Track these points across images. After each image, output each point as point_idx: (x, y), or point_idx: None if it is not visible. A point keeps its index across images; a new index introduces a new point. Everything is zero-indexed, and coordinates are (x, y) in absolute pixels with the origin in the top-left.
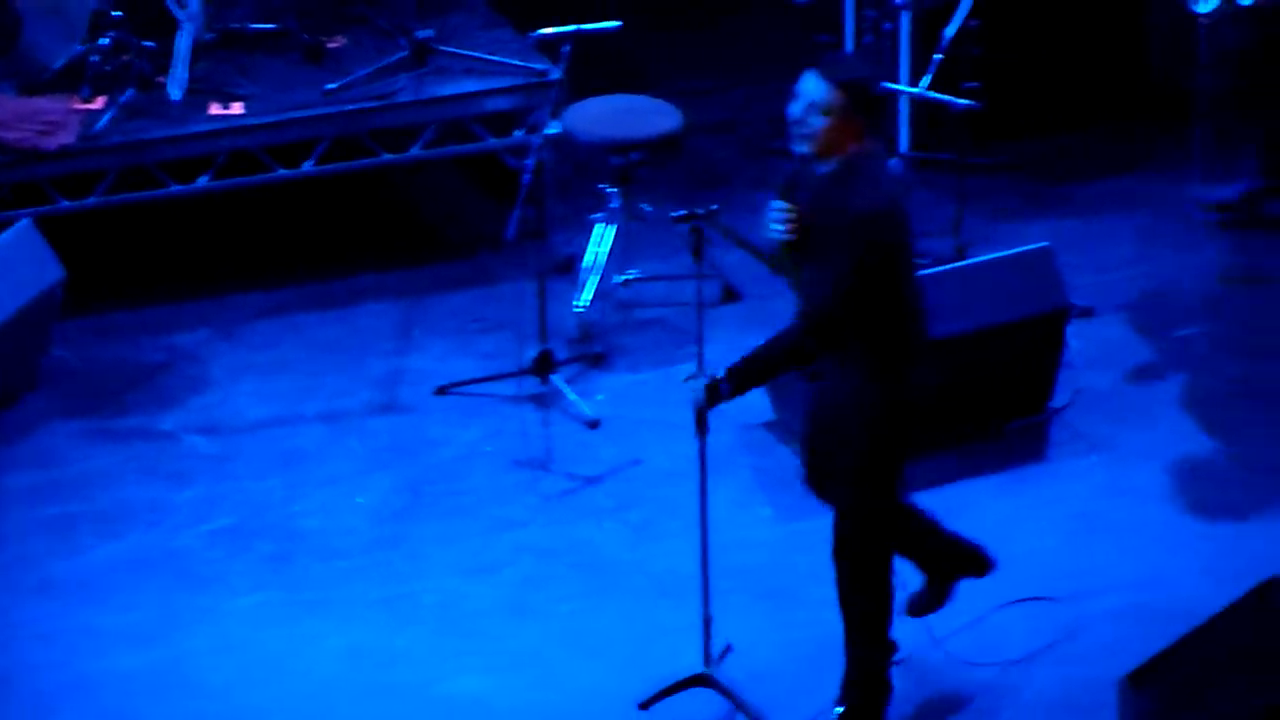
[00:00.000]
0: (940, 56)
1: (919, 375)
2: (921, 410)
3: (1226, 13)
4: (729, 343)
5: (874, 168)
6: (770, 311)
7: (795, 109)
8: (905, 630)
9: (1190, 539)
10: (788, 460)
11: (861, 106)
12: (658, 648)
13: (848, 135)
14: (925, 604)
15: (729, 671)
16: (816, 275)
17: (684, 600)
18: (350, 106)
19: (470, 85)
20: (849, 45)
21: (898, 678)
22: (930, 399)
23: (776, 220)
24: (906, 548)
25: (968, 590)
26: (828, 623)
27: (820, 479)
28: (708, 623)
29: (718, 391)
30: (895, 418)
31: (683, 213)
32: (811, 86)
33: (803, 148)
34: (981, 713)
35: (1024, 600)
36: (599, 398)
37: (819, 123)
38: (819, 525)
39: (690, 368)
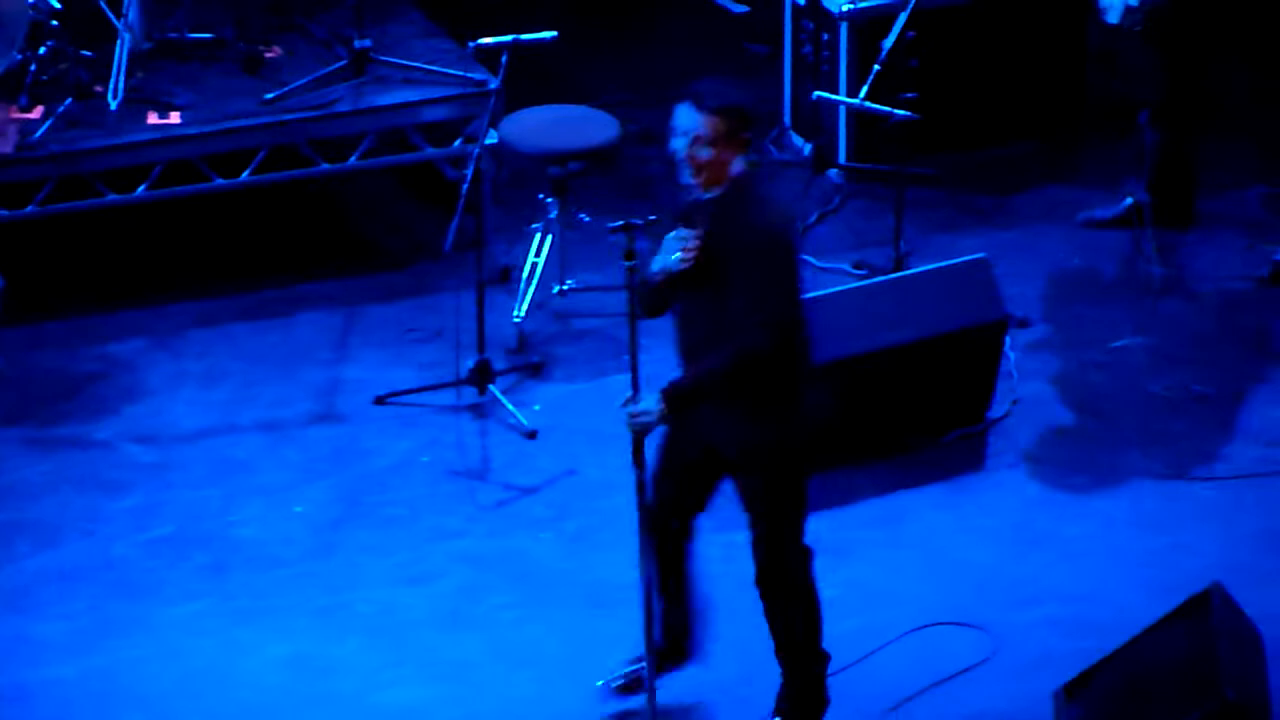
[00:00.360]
0: (878, 67)
1: (822, 394)
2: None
3: (1130, 23)
4: (664, 352)
5: (762, 186)
6: None
7: (678, 144)
8: (837, 650)
9: (1125, 551)
10: None
11: (740, 130)
12: (592, 658)
13: (731, 160)
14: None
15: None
16: (744, 296)
17: (618, 610)
18: (288, 116)
19: (409, 95)
20: (786, 54)
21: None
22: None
23: (680, 248)
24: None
25: (895, 608)
26: (759, 633)
27: (700, 503)
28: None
29: (660, 419)
30: (800, 438)
31: (620, 223)
32: (690, 119)
33: (690, 179)
34: None
35: (942, 624)
36: (536, 408)
37: (704, 154)
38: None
39: (625, 380)
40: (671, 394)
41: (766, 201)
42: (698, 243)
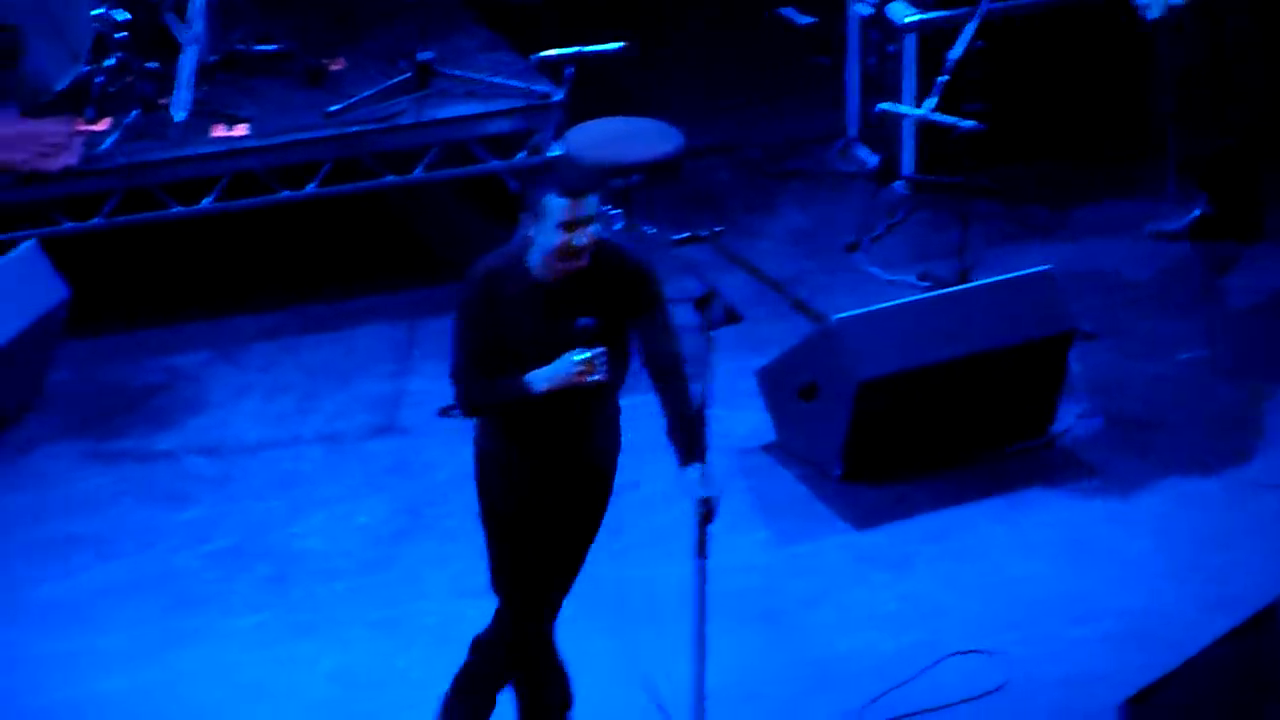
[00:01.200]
0: (945, 78)
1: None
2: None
3: (1170, 21)
4: (729, 365)
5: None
6: (768, 333)
7: (590, 232)
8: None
9: (1188, 566)
10: (786, 483)
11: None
12: (648, 671)
13: None
14: None
15: (722, 696)
16: (669, 330)
17: (673, 625)
18: (352, 128)
19: (472, 107)
20: (851, 67)
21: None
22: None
23: (596, 368)
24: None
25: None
26: (820, 647)
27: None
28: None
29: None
30: None
31: (685, 235)
32: (595, 203)
33: (584, 260)
34: None
35: (966, 652)
36: None
37: (598, 229)
38: (815, 549)
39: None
40: (702, 457)
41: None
42: (598, 359)
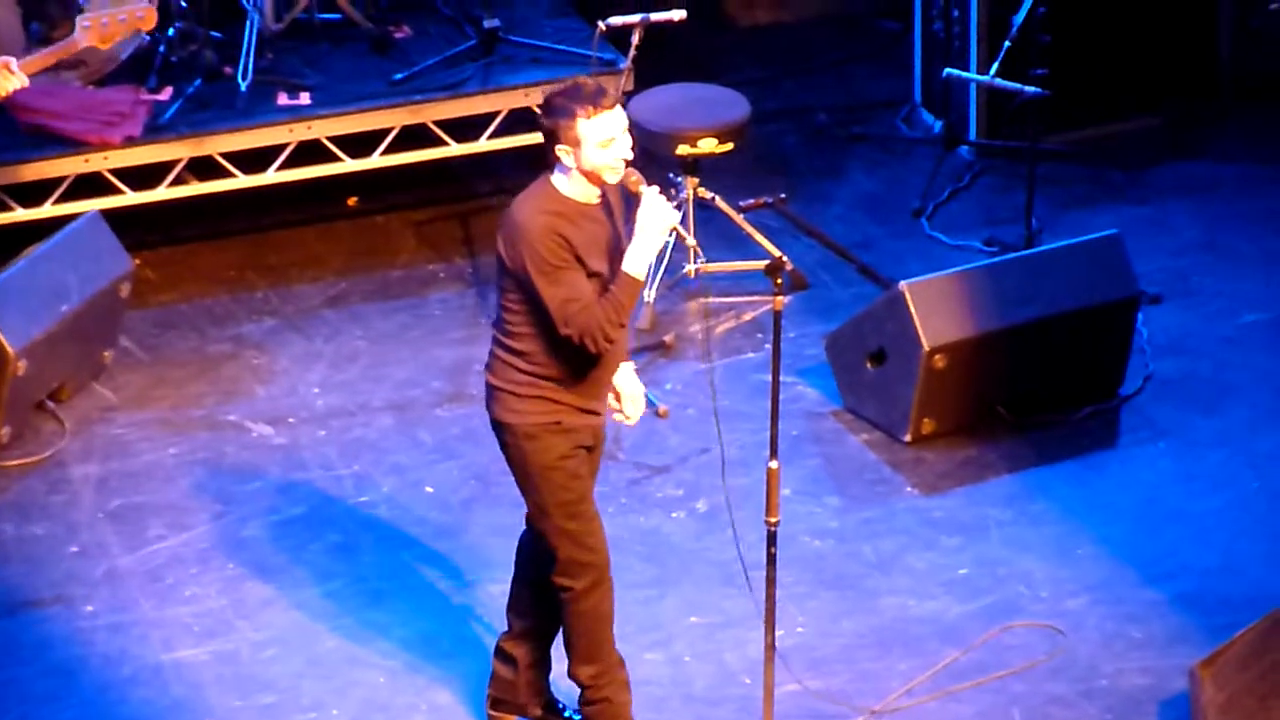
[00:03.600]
0: (1009, 43)
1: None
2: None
3: None
4: (797, 330)
5: None
6: (835, 299)
7: (629, 141)
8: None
9: (1260, 525)
10: (854, 449)
11: None
12: (723, 637)
13: None
14: None
15: (794, 659)
16: None
17: (749, 590)
18: (418, 96)
19: (537, 75)
20: (916, 31)
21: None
22: (970, 393)
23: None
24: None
25: (1027, 586)
26: (892, 611)
27: None
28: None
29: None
30: None
31: (751, 201)
32: (622, 114)
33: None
34: (1058, 700)
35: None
36: (667, 387)
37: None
38: (886, 514)
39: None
40: None
41: None
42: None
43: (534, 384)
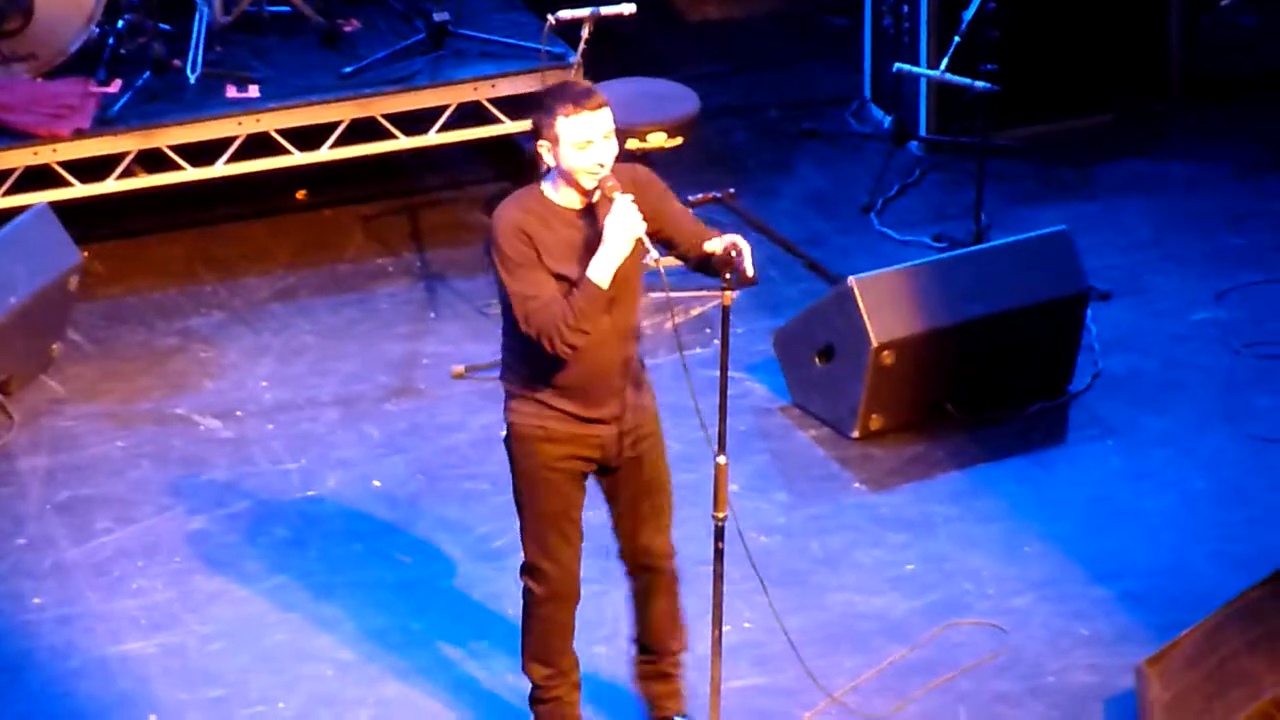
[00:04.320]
0: (959, 39)
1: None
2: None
3: None
4: (745, 325)
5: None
6: (783, 295)
7: (611, 146)
8: (918, 624)
9: (1207, 524)
10: (802, 444)
11: None
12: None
13: None
14: None
15: (740, 656)
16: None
17: (699, 585)
18: (367, 90)
19: (487, 68)
20: (866, 27)
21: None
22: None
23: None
24: None
25: (974, 582)
26: (839, 608)
27: None
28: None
29: None
30: None
31: (700, 195)
32: (608, 116)
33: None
34: (1004, 697)
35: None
36: None
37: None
38: (833, 510)
39: (704, 356)
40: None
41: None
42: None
43: (529, 387)
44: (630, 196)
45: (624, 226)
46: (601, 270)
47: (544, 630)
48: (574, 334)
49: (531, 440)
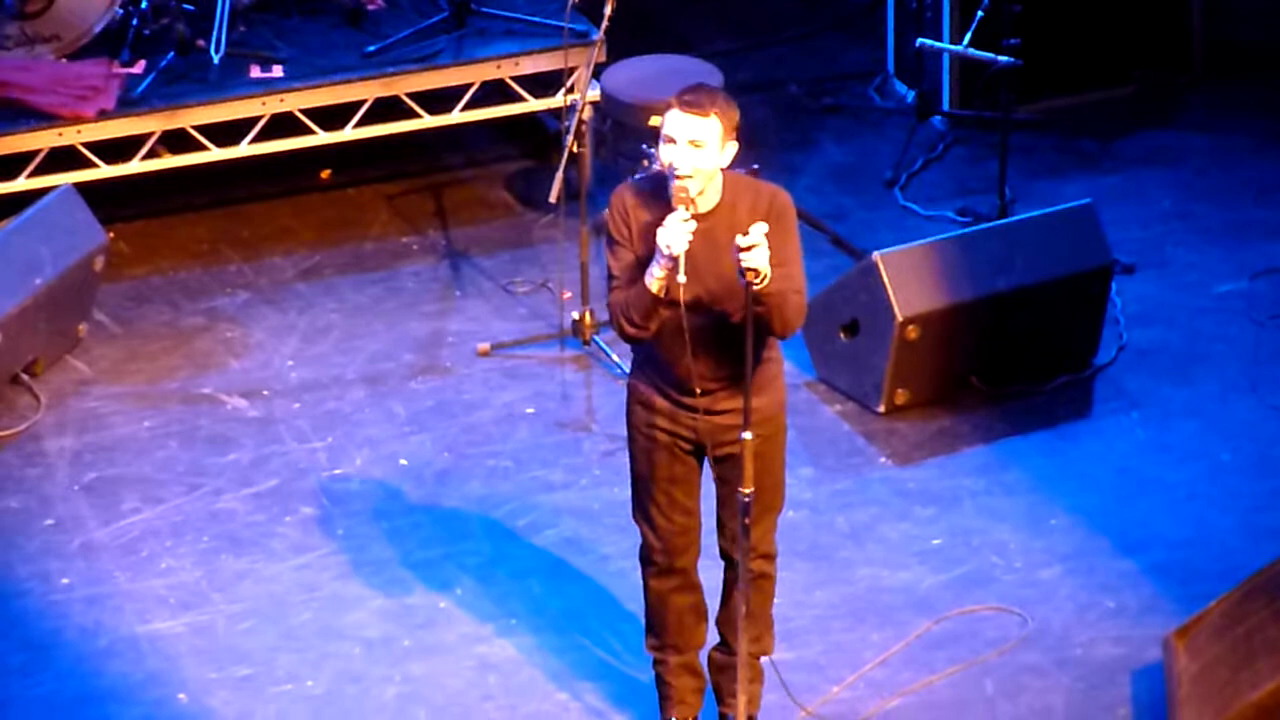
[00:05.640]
0: (981, 14)
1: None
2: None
3: None
4: None
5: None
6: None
7: (689, 156)
8: (942, 599)
9: (1233, 495)
10: (828, 420)
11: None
12: None
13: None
14: None
15: None
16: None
17: (721, 563)
18: (390, 69)
19: (510, 46)
20: (889, 2)
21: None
22: (943, 363)
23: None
24: None
25: (1001, 555)
26: (865, 582)
27: None
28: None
29: None
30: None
31: None
32: (698, 125)
33: (697, 187)
34: (1031, 669)
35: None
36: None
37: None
38: (859, 485)
39: None
40: None
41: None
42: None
43: (642, 351)
44: (688, 215)
45: (665, 238)
46: (649, 276)
47: (649, 597)
48: (629, 326)
49: (632, 399)
